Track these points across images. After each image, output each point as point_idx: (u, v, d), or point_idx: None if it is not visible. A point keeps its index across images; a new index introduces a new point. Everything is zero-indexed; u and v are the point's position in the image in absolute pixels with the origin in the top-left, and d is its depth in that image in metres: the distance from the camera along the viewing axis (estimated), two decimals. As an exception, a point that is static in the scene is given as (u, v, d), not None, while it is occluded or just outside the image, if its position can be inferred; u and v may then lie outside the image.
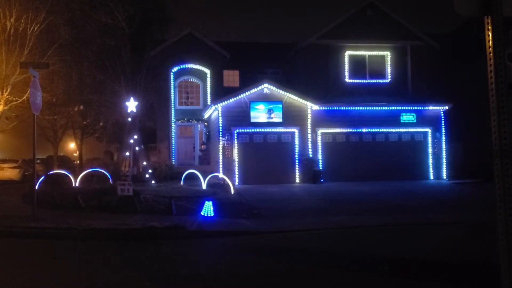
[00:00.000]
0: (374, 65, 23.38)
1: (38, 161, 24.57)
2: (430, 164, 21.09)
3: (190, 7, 44.58)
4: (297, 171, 19.93)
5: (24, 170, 24.25)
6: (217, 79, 26.29)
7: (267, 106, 19.81)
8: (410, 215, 11.17)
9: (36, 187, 11.34)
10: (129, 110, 18.54)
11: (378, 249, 7.61)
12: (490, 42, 3.46)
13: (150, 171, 20.26)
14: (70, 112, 23.69)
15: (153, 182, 19.37)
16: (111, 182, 17.55)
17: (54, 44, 18.31)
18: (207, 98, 25.78)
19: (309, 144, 20.12)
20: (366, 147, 20.74)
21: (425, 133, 21.25)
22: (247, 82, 23.41)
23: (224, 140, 19.55)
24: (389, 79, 23.26)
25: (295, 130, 20.05)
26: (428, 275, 5.80)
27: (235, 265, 6.60)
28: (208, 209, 10.65)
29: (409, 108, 21.10)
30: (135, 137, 19.68)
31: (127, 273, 6.18)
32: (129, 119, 18.51)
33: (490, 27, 3.48)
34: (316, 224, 10.12)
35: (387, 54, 23.31)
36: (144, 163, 21.01)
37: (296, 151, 20.01)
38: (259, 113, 19.75)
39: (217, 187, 16.90)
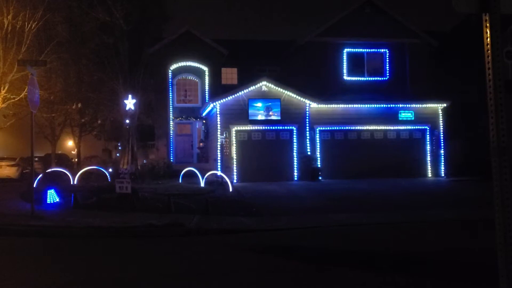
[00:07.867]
0: (373, 62, 23.40)
1: (36, 159, 24.53)
2: (429, 162, 21.11)
3: (188, 4, 44.53)
4: (295, 168, 19.93)
5: (22, 168, 24.19)
6: (215, 76, 26.25)
7: (266, 103, 19.78)
8: (408, 213, 11.18)
9: (34, 185, 11.33)
10: (127, 108, 18.54)
11: (377, 247, 7.63)
12: (488, 40, 3.46)
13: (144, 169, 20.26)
14: (68, 110, 23.67)
15: (148, 178, 19.35)
16: (109, 180, 17.56)
17: (51, 42, 18.28)
18: (205, 95, 25.75)
19: (308, 141, 20.12)
20: (365, 145, 20.76)
21: (424, 130, 21.27)
22: (245, 79, 23.39)
23: (223, 137, 19.52)
24: (388, 77, 23.26)
25: (294, 128, 20.03)
26: (427, 273, 5.81)
27: (234, 263, 6.61)
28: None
29: (407, 105, 21.11)
30: (133, 135, 19.67)
31: (125, 271, 6.19)
32: (128, 117, 18.48)
33: (488, 25, 3.48)
34: (315, 221, 10.12)
35: (386, 52, 23.31)
36: (144, 161, 21.00)
37: (295, 148, 20.00)
38: (257, 111, 19.72)
39: (216, 184, 16.89)
